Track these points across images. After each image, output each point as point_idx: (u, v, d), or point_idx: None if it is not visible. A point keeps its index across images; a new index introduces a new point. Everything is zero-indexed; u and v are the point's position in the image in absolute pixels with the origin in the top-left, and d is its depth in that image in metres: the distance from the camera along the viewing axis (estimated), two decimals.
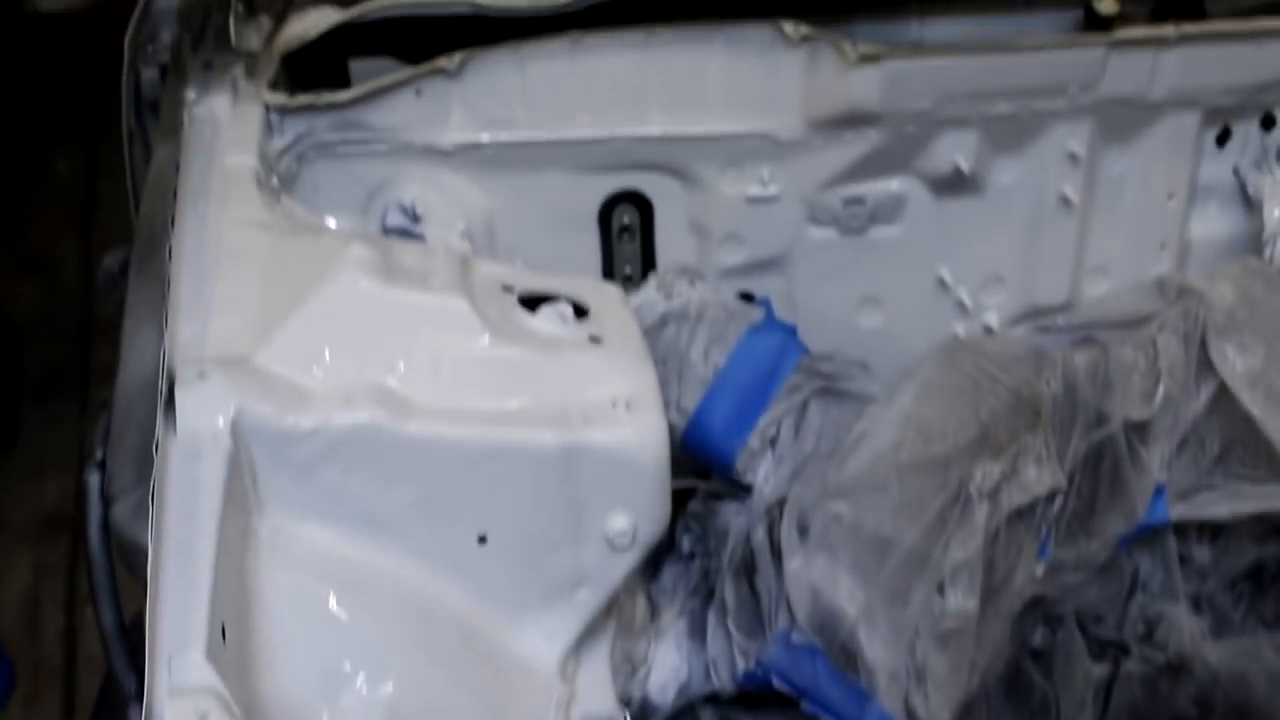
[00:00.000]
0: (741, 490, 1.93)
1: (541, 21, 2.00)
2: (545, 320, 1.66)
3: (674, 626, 1.97)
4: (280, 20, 2.01)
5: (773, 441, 1.90)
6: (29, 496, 3.86)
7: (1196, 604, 2.02)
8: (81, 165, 5.18)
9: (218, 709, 1.18)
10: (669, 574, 2.02)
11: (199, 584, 1.29)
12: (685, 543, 2.02)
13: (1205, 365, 1.90)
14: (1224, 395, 1.88)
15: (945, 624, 1.71)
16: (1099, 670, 2.00)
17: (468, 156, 2.05)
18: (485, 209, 2.09)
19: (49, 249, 4.78)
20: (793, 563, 1.78)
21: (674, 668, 1.93)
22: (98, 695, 2.26)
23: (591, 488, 1.57)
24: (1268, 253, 2.25)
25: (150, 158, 2.35)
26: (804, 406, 1.91)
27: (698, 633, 1.95)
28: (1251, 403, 1.86)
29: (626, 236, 2.20)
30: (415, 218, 2.02)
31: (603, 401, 1.58)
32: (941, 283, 2.30)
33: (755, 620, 1.86)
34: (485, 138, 2.05)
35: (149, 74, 2.25)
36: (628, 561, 1.61)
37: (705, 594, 2.00)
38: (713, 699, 1.93)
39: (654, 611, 1.95)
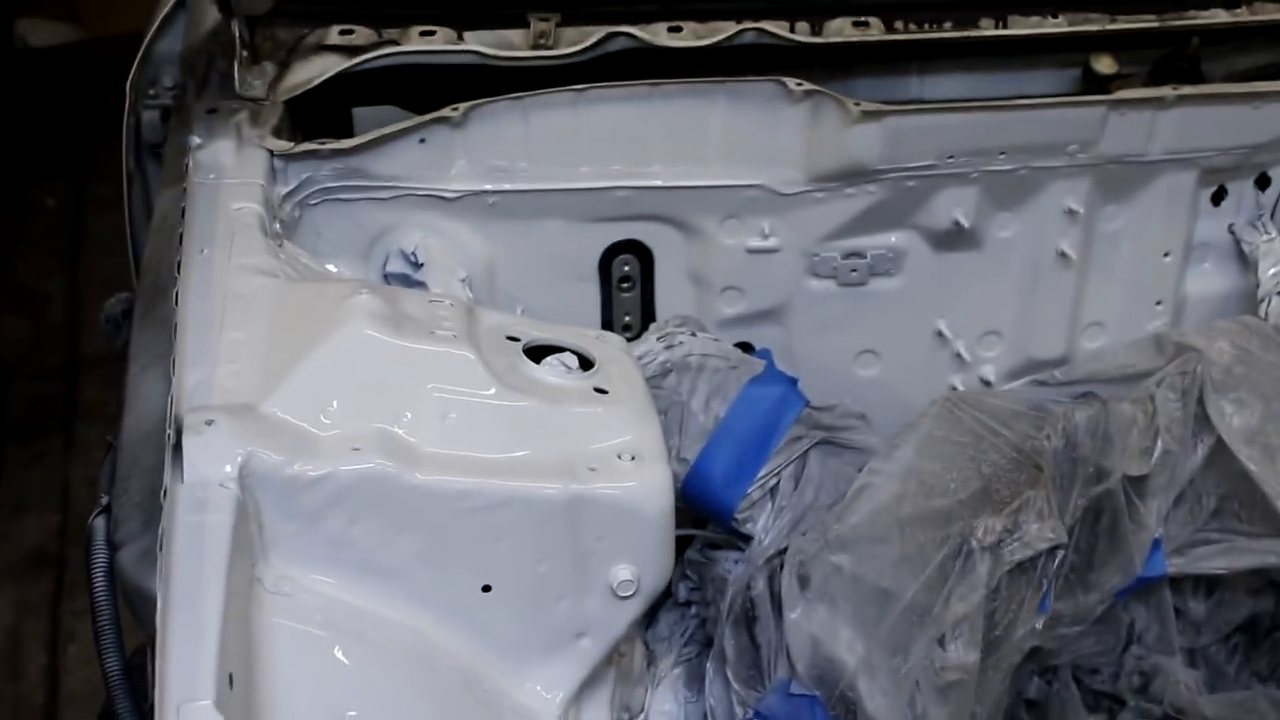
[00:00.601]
0: (740, 540, 1.93)
1: (545, 73, 2.01)
2: (550, 371, 1.65)
3: (670, 675, 1.98)
4: (284, 67, 2.02)
5: (773, 491, 1.90)
6: (12, 534, 3.82)
7: (1191, 657, 2.03)
8: (69, 200, 5.17)
9: None
10: (665, 622, 2.04)
11: (207, 632, 1.28)
12: (682, 591, 2.03)
13: (1203, 421, 1.91)
14: (1221, 451, 1.89)
15: (946, 676, 1.72)
16: None
17: (470, 204, 2.05)
18: (486, 257, 2.08)
19: (35, 284, 4.76)
20: (793, 613, 1.79)
21: (671, 716, 1.94)
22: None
23: (596, 538, 1.56)
24: (1262, 310, 2.26)
25: (149, 200, 2.36)
26: (804, 457, 1.91)
27: (694, 681, 1.96)
28: (1248, 459, 1.87)
29: (626, 286, 2.20)
30: (416, 264, 2.01)
31: (608, 453, 1.58)
32: (939, 335, 2.30)
33: (754, 670, 1.86)
34: (488, 186, 2.05)
35: (149, 117, 2.25)
36: (631, 611, 1.61)
37: (702, 642, 2.01)
38: None
39: (650, 659, 1.96)
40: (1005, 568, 1.75)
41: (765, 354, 2.09)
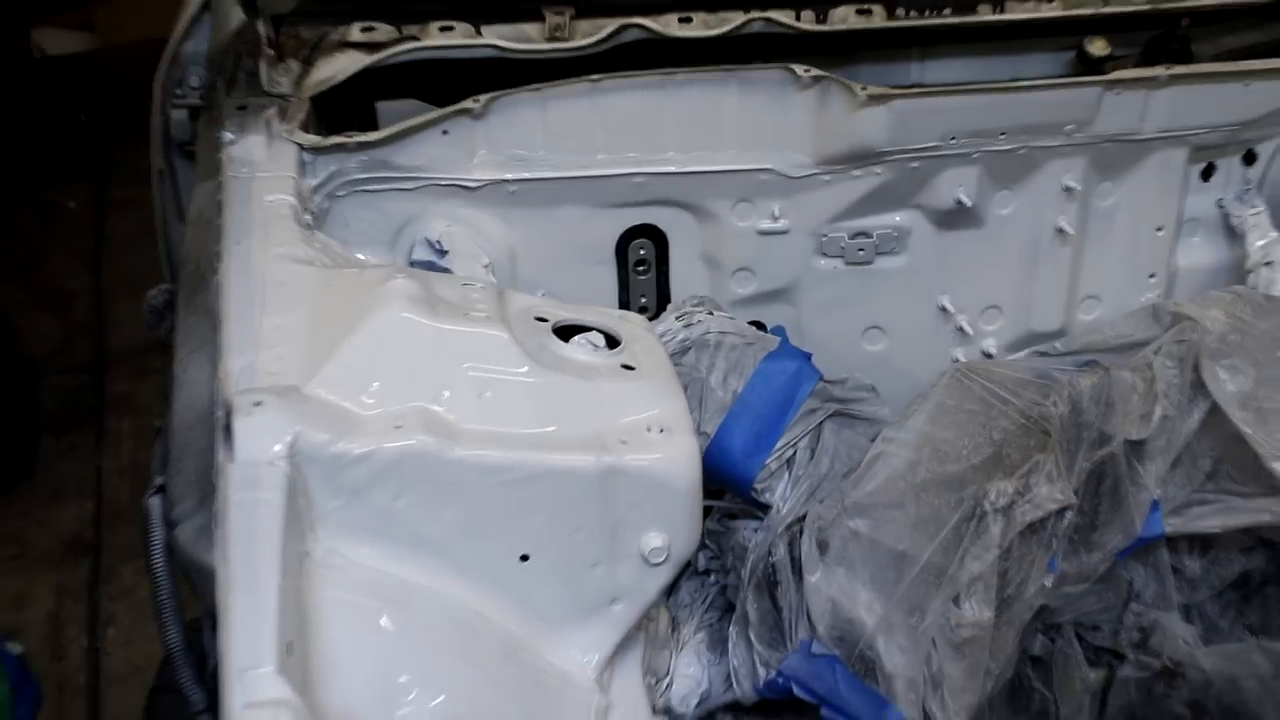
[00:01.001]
0: (758, 509, 1.93)
1: (561, 64, 2.02)
2: (579, 350, 1.66)
3: (694, 640, 1.97)
4: (309, 64, 2.01)
5: (789, 462, 1.90)
6: (49, 522, 3.85)
7: (1188, 612, 2.03)
8: (90, 202, 5.19)
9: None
10: (687, 590, 2.03)
11: (266, 602, 1.29)
12: (701, 560, 2.03)
13: (1198, 387, 1.92)
14: (1216, 415, 1.90)
15: (962, 633, 1.72)
16: (1096, 676, 2.03)
17: (491, 193, 2.05)
18: (508, 243, 2.08)
19: (61, 284, 4.79)
20: (813, 577, 1.79)
21: (695, 679, 1.94)
22: (145, 711, 2.25)
23: (628, 508, 1.56)
24: (1251, 280, 2.27)
25: (178, 195, 2.36)
26: (819, 429, 1.91)
27: (717, 645, 1.96)
28: (1242, 421, 1.87)
29: (642, 269, 2.20)
30: (441, 252, 2.01)
31: (637, 426, 1.58)
32: (943, 310, 2.31)
33: (776, 632, 1.86)
34: (508, 175, 2.05)
35: (178, 115, 2.26)
36: (662, 577, 1.61)
37: (722, 609, 2.01)
38: (732, 707, 1.93)
39: (674, 625, 1.95)
40: (1017, 529, 1.75)
41: (779, 331, 2.09)
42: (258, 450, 1.40)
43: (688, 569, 1.98)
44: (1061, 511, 1.78)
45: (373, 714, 1.37)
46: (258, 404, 1.44)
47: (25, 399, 4.18)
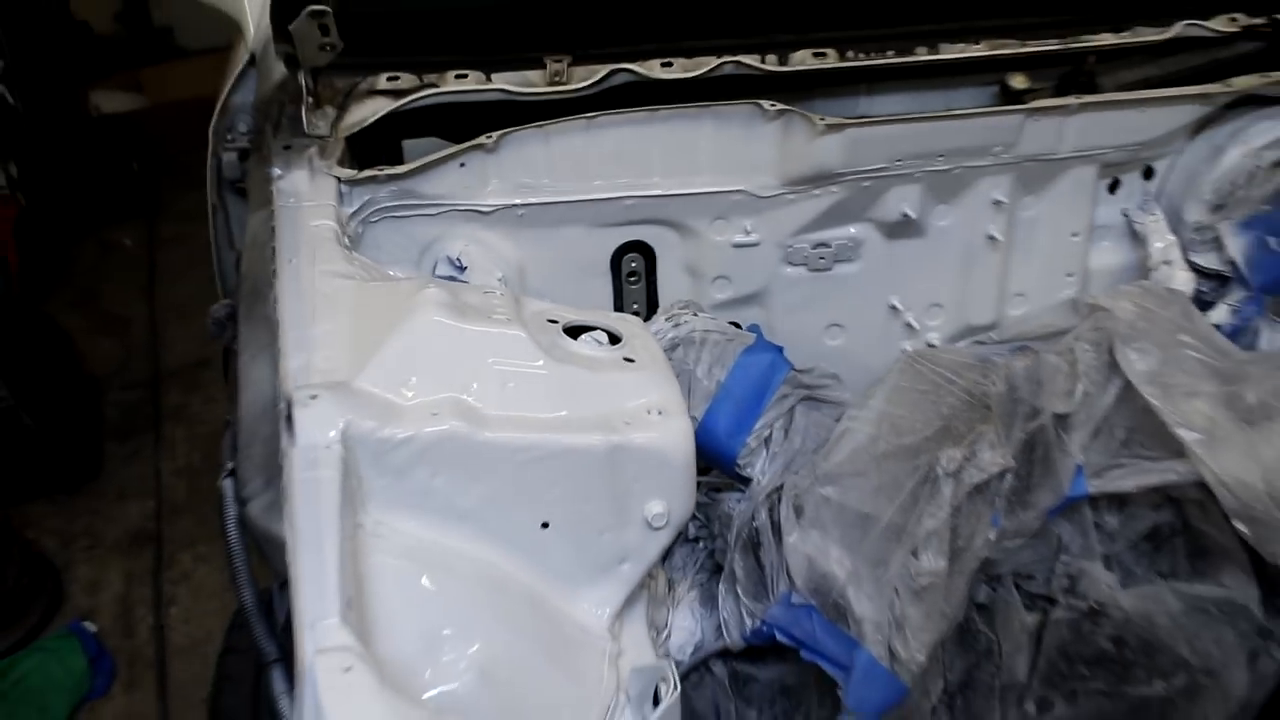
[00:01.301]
0: (740, 482, 1.92)
1: (561, 105, 2.01)
2: (586, 346, 1.66)
3: (688, 597, 1.97)
4: (342, 109, 2.01)
5: (767, 441, 1.89)
6: (116, 518, 3.83)
7: (1108, 562, 2.01)
8: (143, 239, 5.17)
9: (359, 661, 1.20)
10: (679, 555, 2.03)
11: (329, 564, 1.30)
12: (691, 529, 2.02)
13: (1113, 367, 1.90)
14: (1128, 391, 1.88)
15: (920, 581, 1.71)
16: (1032, 619, 1.99)
17: (503, 216, 2.05)
18: (517, 259, 2.08)
19: (119, 310, 4.76)
20: (790, 538, 1.78)
21: (690, 630, 1.93)
22: (216, 669, 2.25)
23: (633, 480, 1.57)
24: (1153, 277, 2.29)
25: (229, 226, 2.36)
26: (791, 412, 1.91)
27: (708, 601, 1.95)
28: (1151, 395, 1.85)
29: (634, 279, 2.19)
30: (461, 268, 2.01)
31: (639, 410, 1.59)
32: (893, 309, 2.30)
33: (760, 586, 1.85)
34: (517, 200, 2.05)
35: (229, 157, 2.25)
36: (663, 540, 1.61)
37: (711, 570, 2.00)
38: (723, 654, 1.93)
39: (670, 586, 1.95)
40: (965, 490, 1.74)
41: (755, 328, 2.08)
42: (315, 436, 1.41)
43: (680, 538, 1.97)
44: (1002, 474, 1.77)
45: (419, 661, 1.37)
46: (314, 397, 1.45)
47: (91, 411, 4.17)
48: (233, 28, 2.30)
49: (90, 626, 3.38)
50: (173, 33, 6.45)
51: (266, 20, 2.03)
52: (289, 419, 1.43)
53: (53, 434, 3.78)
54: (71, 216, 5.11)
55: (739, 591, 1.88)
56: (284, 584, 1.37)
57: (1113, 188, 2.37)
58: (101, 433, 4.13)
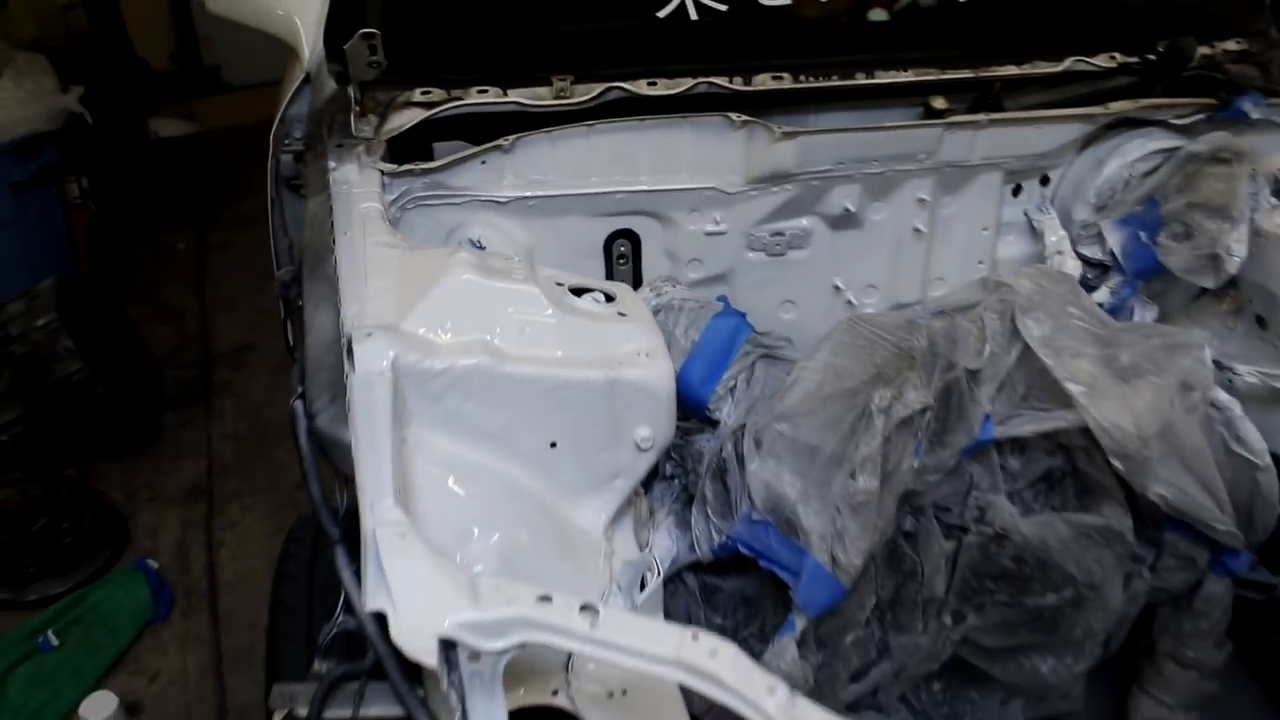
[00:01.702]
0: (710, 425, 1.96)
1: (565, 114, 2.06)
2: (588, 302, 1.71)
3: (665, 522, 2.00)
4: (383, 117, 2.06)
5: (733, 389, 1.94)
6: (173, 475, 3.86)
7: (1012, 498, 2.04)
8: (195, 244, 5.19)
9: (410, 531, 1.26)
10: (657, 490, 2.05)
11: (384, 461, 1.36)
12: (668, 468, 2.05)
13: (1014, 333, 1.94)
14: (1027, 352, 1.92)
15: (857, 499, 1.75)
16: (949, 544, 2.03)
17: (517, 206, 2.09)
18: (527, 242, 2.11)
19: (175, 303, 4.78)
20: (751, 466, 1.82)
21: (666, 548, 1.96)
22: (274, 586, 2.29)
23: (625, 408, 1.61)
24: (1048, 264, 2.35)
25: (284, 217, 2.40)
26: (752, 367, 1.95)
27: (683, 525, 1.99)
28: (1045, 356, 1.90)
29: (623, 261, 2.23)
30: (480, 248, 2.03)
31: (631, 352, 1.64)
32: (836, 288, 2.34)
33: (726, 507, 1.89)
34: (529, 193, 2.09)
35: (286, 159, 2.28)
36: (649, 460, 1.66)
37: (685, 501, 2.03)
38: (695, 567, 1.96)
39: (651, 512, 1.97)
40: (894, 423, 1.78)
41: (723, 298, 2.14)
42: (371, 364, 1.47)
43: (659, 475, 2.02)
44: (924, 410, 1.81)
45: (451, 546, 1.43)
46: (369, 334, 1.50)
47: (152, 386, 4.20)
48: (288, 52, 2.36)
49: (152, 563, 3.41)
50: (220, 70, 6.49)
51: (320, 44, 2.09)
52: (349, 352, 1.48)
53: (121, 403, 3.81)
54: (134, 225, 5.12)
55: (709, 512, 1.92)
56: (347, 479, 1.43)
57: (1016, 191, 2.41)
58: (161, 404, 4.15)
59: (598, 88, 2.06)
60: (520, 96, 2.06)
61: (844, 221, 2.27)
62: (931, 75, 2.21)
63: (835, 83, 2.16)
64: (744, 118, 2.08)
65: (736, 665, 1.12)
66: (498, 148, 2.03)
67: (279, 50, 2.31)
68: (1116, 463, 1.92)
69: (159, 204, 5.32)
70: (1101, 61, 2.29)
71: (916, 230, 2.32)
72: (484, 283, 1.64)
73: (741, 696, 1.10)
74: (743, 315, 2.01)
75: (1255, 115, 2.27)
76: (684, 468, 2.05)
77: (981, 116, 2.21)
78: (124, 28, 5.86)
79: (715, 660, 1.12)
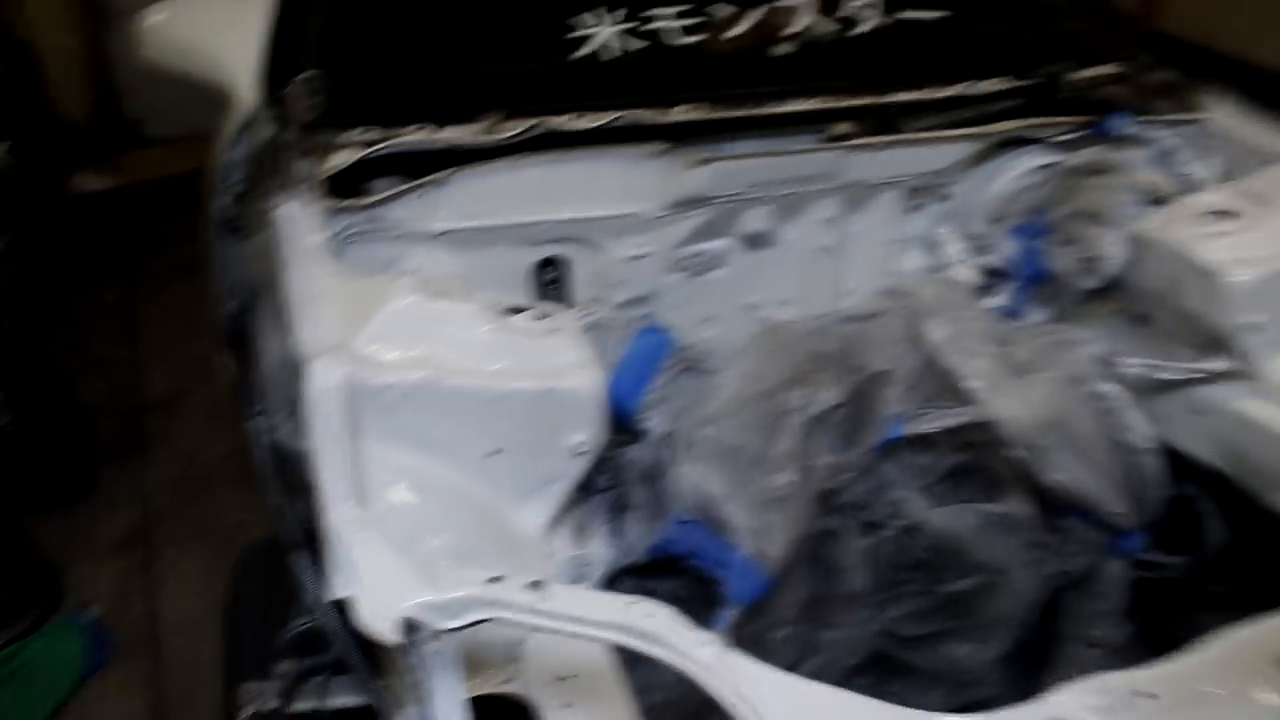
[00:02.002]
0: (639, 436, 2.06)
1: (496, 149, 2.14)
2: (524, 319, 1.81)
3: (600, 530, 2.06)
4: (322, 157, 2.11)
5: (659, 401, 2.05)
6: (110, 523, 3.86)
7: (924, 492, 2.16)
8: (124, 295, 5.19)
9: (370, 527, 1.36)
10: (593, 502, 2.09)
11: (342, 468, 1.46)
12: (601, 480, 2.09)
13: (919, 337, 2.07)
14: (931, 354, 2.05)
15: (779, 493, 1.87)
16: (866, 541, 2.15)
17: (451, 237, 2.16)
18: (461, 272, 2.17)
19: (106, 354, 4.77)
20: (680, 469, 1.94)
21: (602, 555, 2.01)
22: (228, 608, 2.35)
23: (560, 417, 1.70)
24: (948, 274, 2.48)
25: (225, 255, 2.41)
26: (677, 377, 2.07)
27: (617, 532, 2.07)
28: (947, 357, 2.03)
29: (553, 286, 2.29)
30: None
31: (565, 364, 1.73)
32: (753, 306, 2.42)
33: (658, 510, 1.99)
34: (462, 225, 2.15)
35: (225, 201, 2.32)
36: (582, 465, 1.76)
37: (619, 509, 2.11)
38: (630, 570, 2.04)
39: (586, 523, 2.03)
40: (808, 421, 1.91)
41: (648, 317, 2.25)
42: (324, 383, 1.55)
43: (592, 489, 2.06)
44: (836, 408, 1.94)
45: (406, 546, 1.44)
46: (322, 355, 1.59)
47: (85, 437, 4.18)
48: (224, 96, 2.45)
49: (91, 612, 3.40)
50: (141, 124, 6.51)
51: (258, 88, 2.17)
52: (303, 372, 1.57)
53: (54, 455, 3.80)
54: (62, 278, 5.11)
55: (641, 517, 2.02)
56: (305, 491, 1.52)
57: (917, 207, 2.52)
58: (95, 455, 4.14)
59: (526, 123, 2.14)
60: (453, 134, 2.13)
61: (758, 241, 2.37)
62: (834, 102, 2.32)
63: (748, 111, 2.26)
64: (663, 146, 2.16)
65: (673, 625, 1.27)
66: (432, 182, 2.11)
67: (201, 102, 2.37)
68: (1017, 453, 2.06)
69: (86, 257, 5.31)
70: (989, 86, 2.42)
71: (825, 248, 2.43)
72: (426, 303, 1.75)
73: (679, 651, 1.25)
74: (666, 332, 2.12)
75: (1126, 132, 2.45)
76: (616, 479, 2.13)
77: (879, 139, 2.30)
78: (42, 83, 5.88)
79: (653, 621, 1.26)
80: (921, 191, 2.51)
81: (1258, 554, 2.13)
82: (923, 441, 2.14)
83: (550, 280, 2.31)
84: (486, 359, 1.71)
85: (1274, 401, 2.09)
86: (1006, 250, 2.48)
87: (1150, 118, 2.49)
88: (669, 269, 2.34)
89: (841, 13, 2.45)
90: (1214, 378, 2.14)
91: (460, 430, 1.66)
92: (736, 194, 2.28)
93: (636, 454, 2.10)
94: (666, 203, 2.25)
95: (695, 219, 2.29)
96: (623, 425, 2.08)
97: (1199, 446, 2.20)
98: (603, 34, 2.33)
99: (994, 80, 2.44)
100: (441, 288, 1.83)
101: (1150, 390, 2.24)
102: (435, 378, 1.64)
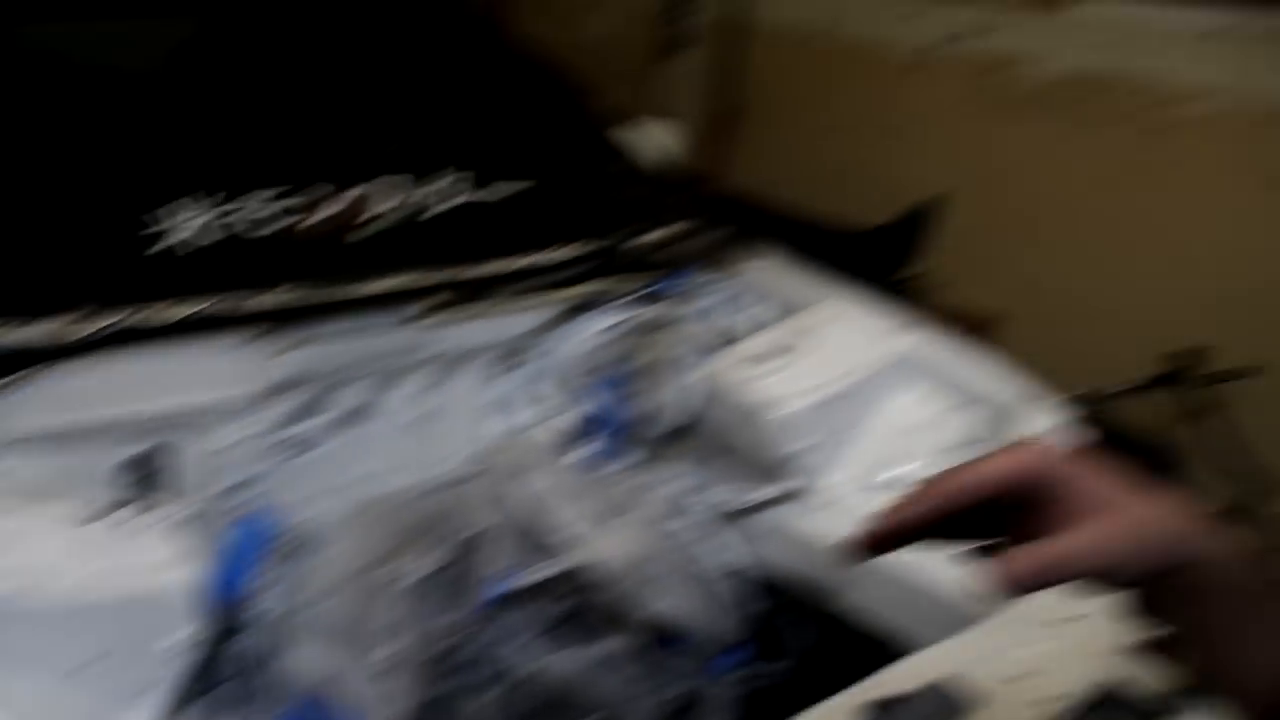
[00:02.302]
0: (246, 625, 2.03)
1: (84, 345, 2.16)
2: (112, 520, 1.81)
3: None
4: None
5: (262, 588, 2.04)
6: None
7: (533, 643, 2.23)
8: None
9: None
10: (213, 696, 2.00)
11: None
12: (223, 673, 2.01)
13: (511, 495, 2.18)
14: (519, 510, 2.15)
15: (384, 665, 1.93)
16: (484, 698, 2.18)
17: (41, 439, 2.09)
18: (50, 475, 2.06)
19: None
20: (295, 650, 1.96)
21: None
22: None
23: (149, 619, 1.69)
24: (540, 430, 2.62)
25: None
26: (279, 562, 2.08)
27: None
28: (540, 512, 2.15)
29: (149, 481, 2.21)
30: None
31: (152, 563, 1.74)
32: (357, 480, 2.44)
33: (280, 694, 1.97)
34: (50, 424, 2.09)
35: None
36: (180, 666, 1.77)
37: (243, 700, 2.02)
38: None
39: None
40: (405, 589, 1.98)
41: (249, 502, 2.26)
42: None
43: (210, 685, 1.99)
44: (438, 572, 2.02)
45: None
46: None
47: None
48: None
49: None
50: None
51: None
52: None
53: None
54: None
55: (263, 704, 1.99)
56: None
57: (508, 370, 2.68)
58: None
59: (107, 319, 2.17)
60: (34, 331, 2.13)
61: (356, 416, 2.46)
62: (412, 282, 2.48)
63: (328, 296, 2.38)
64: (252, 333, 2.26)
65: None
66: (10, 384, 2.08)
67: None
68: (615, 593, 2.20)
69: None
70: (560, 255, 2.66)
71: (422, 416, 2.55)
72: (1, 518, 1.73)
73: None
74: (271, 514, 2.15)
75: (687, 288, 2.75)
76: (235, 670, 2.05)
77: (457, 312, 2.49)
78: None
79: None
80: (510, 356, 2.68)
81: (837, 653, 2.35)
82: (528, 594, 2.23)
83: (147, 475, 2.28)
84: (72, 567, 1.71)
85: (826, 515, 2.37)
86: (599, 400, 2.65)
87: (707, 273, 2.80)
88: (270, 452, 2.38)
89: (411, 199, 2.62)
90: (775, 501, 2.42)
91: (47, 645, 1.63)
92: (331, 373, 2.38)
93: (249, 642, 2.07)
94: (261, 388, 2.31)
95: (292, 401, 2.37)
96: (229, 615, 2.06)
97: (778, 562, 2.45)
98: (182, 227, 2.41)
99: (565, 248, 2.69)
100: (24, 495, 1.82)
101: (735, 517, 2.48)
102: (9, 596, 1.61)
